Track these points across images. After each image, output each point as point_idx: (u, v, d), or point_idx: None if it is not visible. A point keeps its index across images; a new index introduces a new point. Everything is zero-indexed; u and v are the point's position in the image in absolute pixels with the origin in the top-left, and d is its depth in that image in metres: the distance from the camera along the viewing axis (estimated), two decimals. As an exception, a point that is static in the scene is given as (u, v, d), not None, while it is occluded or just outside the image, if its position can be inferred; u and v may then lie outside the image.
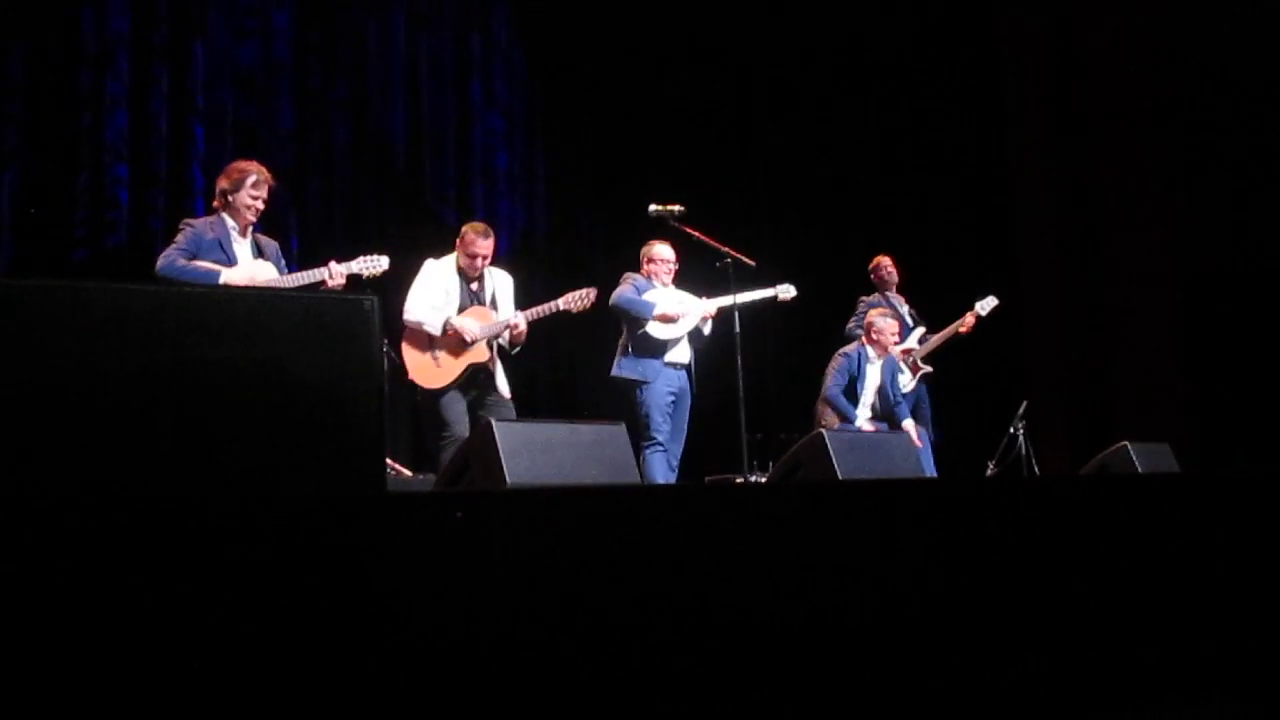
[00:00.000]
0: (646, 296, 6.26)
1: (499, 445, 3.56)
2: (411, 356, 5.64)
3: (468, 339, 5.60)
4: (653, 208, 6.16)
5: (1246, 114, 8.20)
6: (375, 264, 5.25)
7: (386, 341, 5.61)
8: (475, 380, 5.65)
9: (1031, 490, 3.58)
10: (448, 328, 5.61)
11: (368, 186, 8.20)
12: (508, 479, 3.47)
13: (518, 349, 5.78)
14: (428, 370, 5.62)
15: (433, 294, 5.67)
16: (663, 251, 6.42)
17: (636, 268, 6.45)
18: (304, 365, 2.15)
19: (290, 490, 2.10)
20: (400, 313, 5.70)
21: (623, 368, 6.27)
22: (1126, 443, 5.65)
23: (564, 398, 8.53)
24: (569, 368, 8.69)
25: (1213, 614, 3.16)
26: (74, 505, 1.84)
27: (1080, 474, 5.97)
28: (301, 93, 7.93)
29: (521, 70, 9.03)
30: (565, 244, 9.01)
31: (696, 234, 6.18)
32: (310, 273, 5.11)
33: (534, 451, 3.66)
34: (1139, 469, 5.49)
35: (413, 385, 5.69)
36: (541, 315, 5.76)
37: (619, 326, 6.36)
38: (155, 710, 1.77)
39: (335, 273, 5.10)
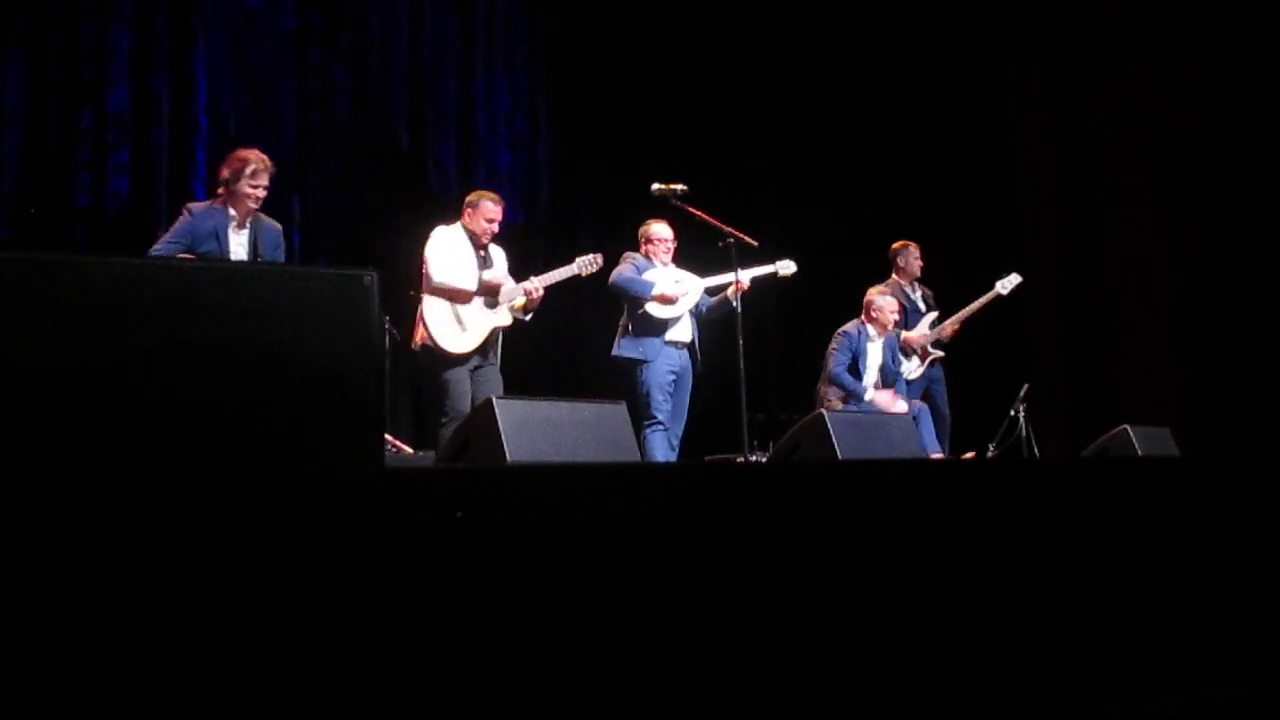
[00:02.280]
0: (646, 276, 6.25)
1: (499, 423, 3.55)
2: (435, 321, 5.63)
3: (495, 285, 5.66)
4: (655, 187, 6.15)
5: (1247, 100, 8.18)
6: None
7: (388, 318, 5.63)
8: (487, 345, 5.71)
9: (1031, 472, 3.58)
10: (483, 286, 5.67)
11: (370, 168, 8.18)
12: (508, 457, 3.47)
13: (530, 315, 5.84)
14: (453, 334, 5.63)
15: (456, 258, 5.71)
16: (660, 230, 6.41)
17: (636, 247, 6.44)
18: (303, 342, 2.15)
19: (289, 468, 2.10)
20: (409, 285, 5.77)
21: (623, 347, 6.27)
22: (1127, 426, 5.65)
23: (565, 377, 8.53)
24: (570, 346, 8.68)
25: (1210, 597, 3.16)
26: (68, 486, 1.83)
27: (1081, 457, 5.97)
28: (302, 74, 7.92)
29: (524, 48, 9.00)
30: (566, 223, 9.00)
31: (699, 213, 6.16)
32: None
33: (534, 430, 3.65)
34: (1139, 452, 5.49)
35: (418, 359, 5.69)
36: (556, 280, 5.83)
37: (620, 305, 6.35)
38: (151, 699, 1.77)
39: None
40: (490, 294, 5.68)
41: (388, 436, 5.96)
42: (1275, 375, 7.77)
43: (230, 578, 1.86)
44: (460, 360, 5.62)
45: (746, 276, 6.23)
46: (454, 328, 5.64)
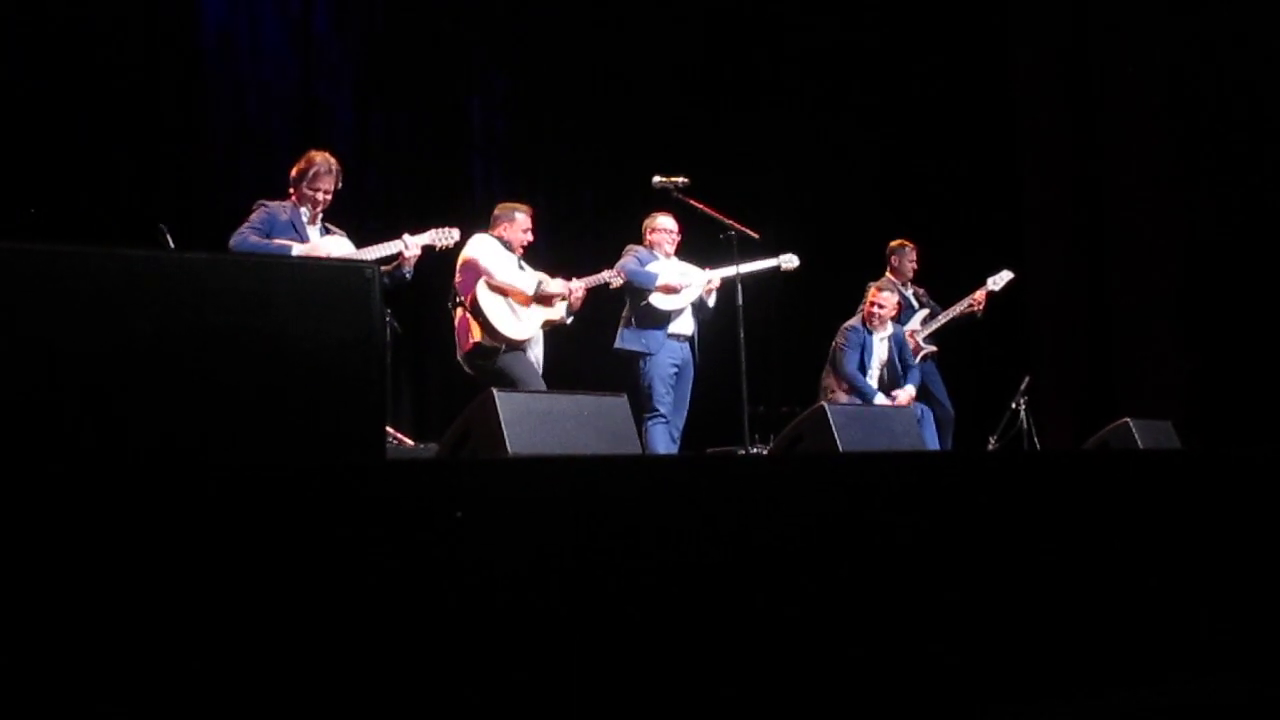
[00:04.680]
0: (649, 268, 6.25)
1: (500, 415, 3.56)
2: (494, 311, 5.73)
3: (554, 291, 5.83)
4: (657, 179, 6.15)
5: (1250, 87, 8.17)
6: (448, 235, 5.46)
7: (389, 310, 5.64)
8: (536, 339, 5.89)
9: (1032, 464, 3.58)
10: (540, 289, 5.81)
11: (371, 162, 8.18)
12: (509, 448, 3.48)
13: (571, 318, 5.97)
14: (511, 322, 5.76)
15: (509, 261, 5.85)
16: (665, 222, 6.41)
17: (639, 240, 6.44)
18: (305, 332, 2.15)
19: (290, 457, 2.10)
20: (449, 283, 5.88)
21: (625, 339, 6.28)
22: (1128, 419, 5.66)
23: (565, 369, 8.53)
24: (571, 339, 8.68)
25: (1211, 590, 3.17)
26: (70, 474, 1.84)
27: (1082, 449, 5.97)
28: (305, 55, 7.93)
29: (524, 38, 8.96)
30: (567, 217, 8.98)
31: (700, 206, 6.16)
32: (385, 245, 5.25)
33: (535, 422, 3.66)
34: (1140, 445, 5.50)
35: (473, 359, 5.76)
36: (592, 285, 6.00)
37: (622, 298, 6.36)
38: (146, 692, 1.77)
39: (410, 244, 5.26)
40: (544, 301, 5.84)
41: (389, 428, 5.97)
42: (1277, 368, 7.77)
43: (229, 565, 1.86)
44: (520, 346, 5.77)
45: (718, 276, 6.27)
46: (511, 316, 5.77)
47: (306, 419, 2.15)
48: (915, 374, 7.10)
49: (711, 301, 6.35)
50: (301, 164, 5.24)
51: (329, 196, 5.23)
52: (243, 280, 2.14)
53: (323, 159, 5.23)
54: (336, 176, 5.24)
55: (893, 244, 7.57)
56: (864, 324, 7.04)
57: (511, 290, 5.77)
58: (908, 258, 7.52)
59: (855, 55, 9.52)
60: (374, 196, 8.07)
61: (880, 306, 7.01)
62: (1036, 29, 9.46)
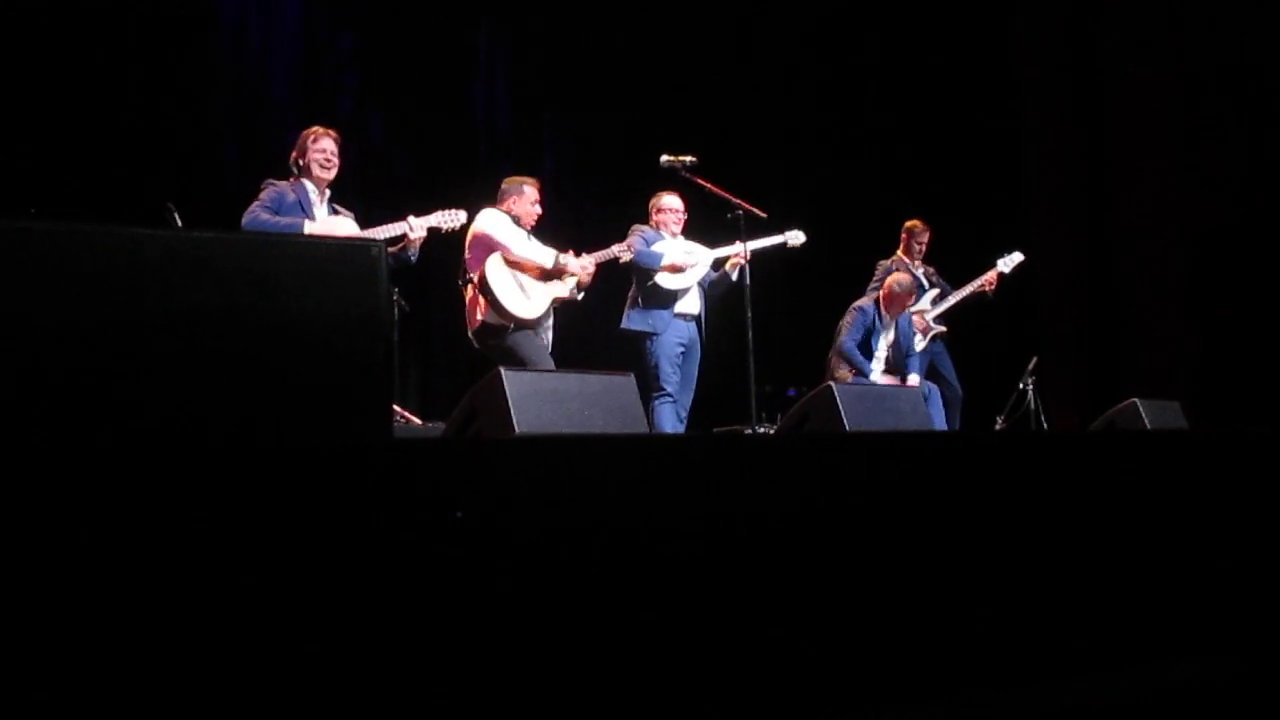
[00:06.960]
0: (655, 248, 6.24)
1: (508, 394, 3.56)
2: (503, 289, 5.66)
3: (573, 269, 5.75)
4: (664, 158, 6.12)
5: (1255, 70, 8.13)
6: (454, 218, 5.42)
7: (396, 289, 5.63)
8: (547, 316, 5.81)
9: (1040, 445, 3.58)
10: (558, 262, 5.73)
11: (377, 145, 8.17)
12: (516, 428, 3.47)
13: (583, 293, 5.90)
14: (519, 301, 5.68)
15: (521, 235, 5.78)
16: (671, 202, 6.39)
17: (645, 219, 6.42)
18: (312, 311, 2.15)
19: (297, 437, 2.10)
20: (458, 260, 5.82)
21: (632, 320, 6.27)
22: (1136, 399, 5.65)
23: (573, 349, 8.52)
24: (578, 318, 8.67)
25: (1216, 570, 3.17)
26: (76, 453, 1.84)
27: (1089, 430, 5.97)
28: (310, 39, 7.91)
29: (530, 17, 8.93)
30: (572, 195, 8.95)
31: (708, 185, 6.14)
32: (390, 226, 5.22)
33: (543, 401, 3.66)
34: (1147, 425, 5.49)
35: (482, 337, 5.72)
36: (602, 260, 5.93)
37: (628, 278, 6.35)
38: (146, 675, 1.78)
39: (415, 226, 5.23)
40: (559, 274, 5.77)
41: (396, 407, 5.97)
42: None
43: (238, 545, 1.86)
44: (529, 325, 5.69)
45: (748, 250, 6.23)
46: (520, 294, 5.69)
47: (313, 398, 2.15)
48: (914, 362, 7.09)
49: (735, 276, 6.28)
50: (299, 141, 5.27)
51: (332, 160, 5.22)
52: (249, 259, 2.14)
53: (316, 129, 5.26)
54: (337, 143, 5.24)
55: (909, 224, 7.57)
56: (877, 307, 7.04)
57: (527, 264, 5.71)
58: (918, 239, 7.53)
59: (862, 34, 9.47)
60: (378, 173, 8.07)
61: (898, 297, 7.02)
62: (1041, 10, 9.42)
